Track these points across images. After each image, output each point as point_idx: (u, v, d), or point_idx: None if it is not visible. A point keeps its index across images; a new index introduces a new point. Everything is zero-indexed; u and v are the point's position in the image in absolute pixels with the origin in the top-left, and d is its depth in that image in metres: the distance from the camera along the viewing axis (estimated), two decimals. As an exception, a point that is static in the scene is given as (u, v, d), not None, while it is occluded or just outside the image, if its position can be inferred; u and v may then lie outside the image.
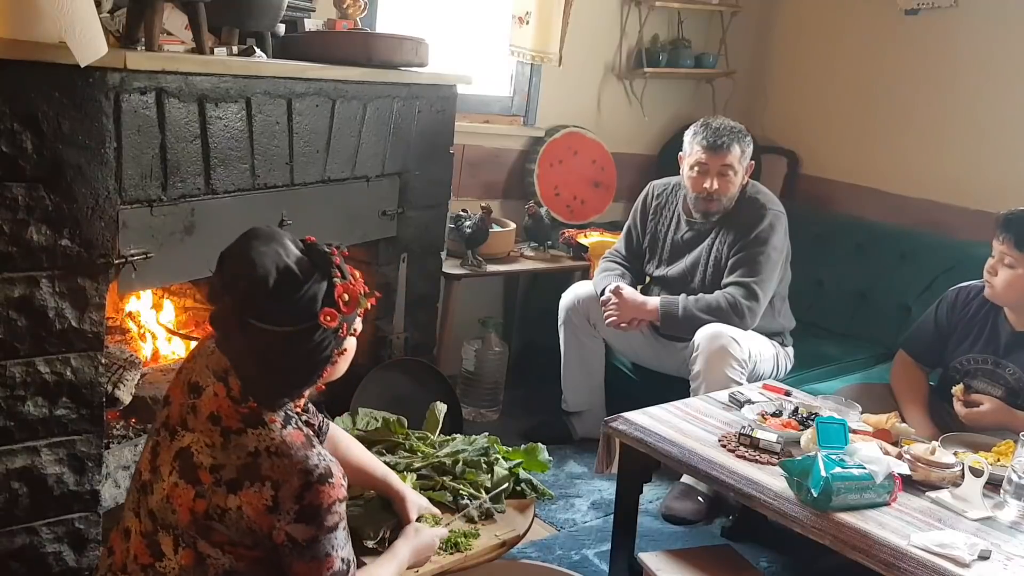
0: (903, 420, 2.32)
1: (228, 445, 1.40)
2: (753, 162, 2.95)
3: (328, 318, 1.39)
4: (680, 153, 2.99)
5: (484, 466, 2.04)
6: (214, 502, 1.39)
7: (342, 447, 1.81)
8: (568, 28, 3.56)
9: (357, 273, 1.47)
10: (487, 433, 2.17)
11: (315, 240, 1.46)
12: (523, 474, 2.09)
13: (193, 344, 2.53)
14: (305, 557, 1.40)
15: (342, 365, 1.52)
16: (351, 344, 1.50)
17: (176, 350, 2.55)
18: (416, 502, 1.84)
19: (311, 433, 1.47)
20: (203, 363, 1.48)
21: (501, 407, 3.42)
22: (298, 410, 1.52)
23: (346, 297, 1.42)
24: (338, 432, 1.83)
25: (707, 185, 2.85)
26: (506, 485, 2.02)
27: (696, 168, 2.87)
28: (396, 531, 1.80)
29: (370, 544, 1.75)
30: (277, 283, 1.36)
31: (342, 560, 1.44)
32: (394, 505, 1.82)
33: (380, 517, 1.82)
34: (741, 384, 2.63)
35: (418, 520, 1.82)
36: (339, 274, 1.42)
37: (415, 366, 2.80)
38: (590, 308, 3.04)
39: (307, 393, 1.51)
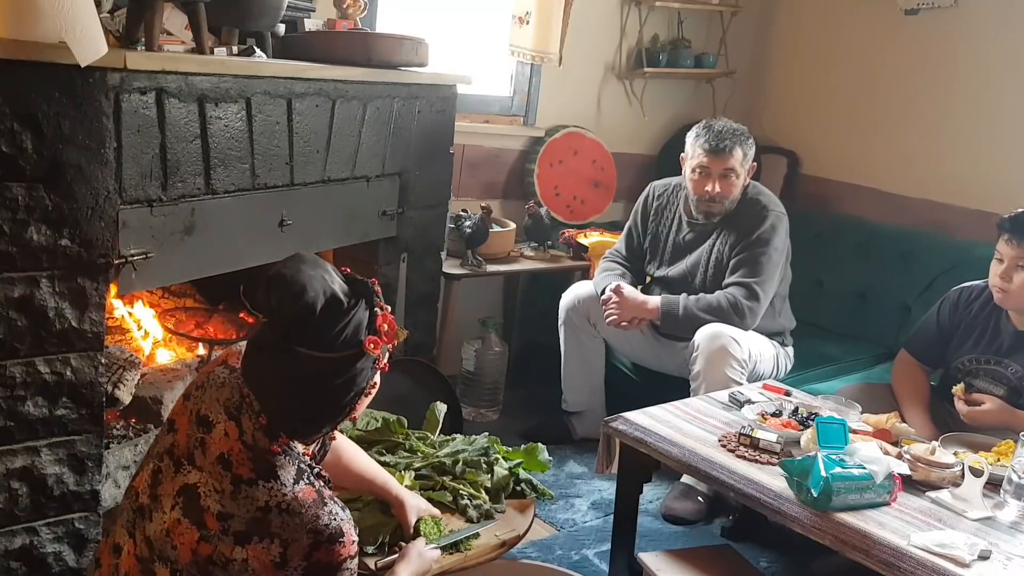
0: (903, 420, 2.32)
1: (238, 495, 1.37)
2: (755, 163, 2.95)
3: (372, 345, 1.39)
4: (681, 154, 2.99)
5: (484, 466, 2.04)
6: (219, 550, 1.36)
7: (345, 457, 1.80)
8: (568, 28, 3.56)
9: (388, 308, 1.47)
10: (487, 433, 2.17)
11: (351, 271, 1.46)
12: (523, 474, 2.09)
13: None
14: None
15: (367, 400, 1.50)
16: (378, 379, 1.49)
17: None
18: (416, 506, 1.83)
19: (323, 487, 1.44)
20: (213, 395, 1.44)
21: (501, 407, 3.42)
22: (308, 456, 1.49)
23: (386, 327, 1.42)
24: (343, 441, 1.82)
25: (709, 188, 2.85)
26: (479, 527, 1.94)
27: (698, 171, 2.87)
28: (395, 536, 1.80)
29: (370, 550, 1.75)
30: (324, 309, 1.35)
31: None
32: (393, 510, 1.82)
33: (379, 521, 1.82)
34: (741, 384, 2.63)
35: (417, 522, 1.82)
36: (380, 303, 1.43)
37: (415, 366, 2.80)
38: (590, 308, 3.04)
39: (328, 432, 1.49)
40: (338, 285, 1.39)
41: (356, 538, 1.42)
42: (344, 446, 1.82)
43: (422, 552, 1.72)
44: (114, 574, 1.46)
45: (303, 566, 1.35)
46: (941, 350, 2.55)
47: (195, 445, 1.41)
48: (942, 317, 2.56)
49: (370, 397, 1.50)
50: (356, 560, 1.42)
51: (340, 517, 1.40)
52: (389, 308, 1.46)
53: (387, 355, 1.47)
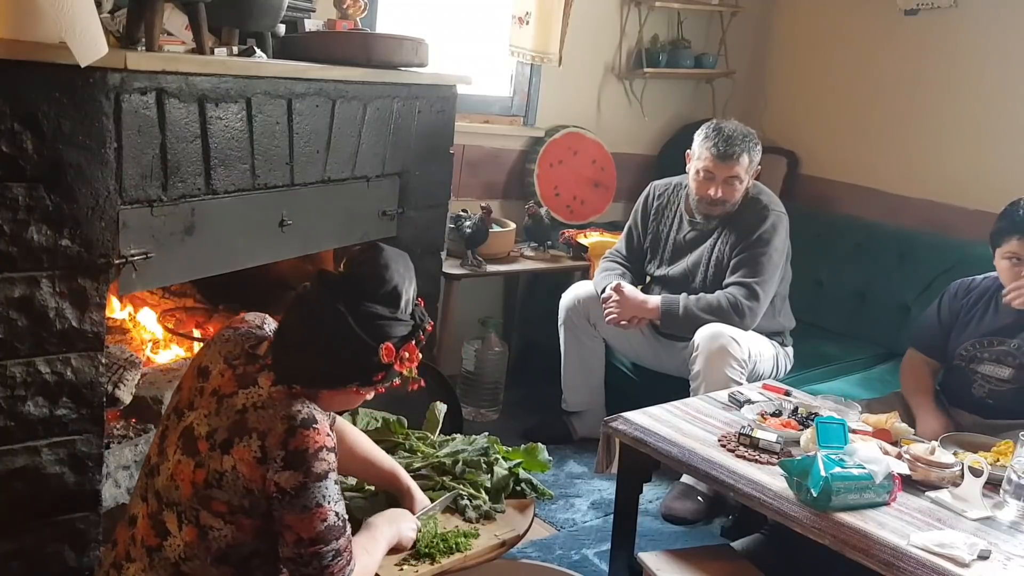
0: (911, 413, 2.33)
1: (221, 409, 1.44)
2: (760, 167, 2.94)
3: (385, 351, 1.45)
4: (687, 151, 2.98)
5: (484, 466, 2.04)
6: (212, 468, 1.42)
7: (348, 439, 1.81)
8: (568, 28, 3.56)
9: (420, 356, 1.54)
10: (487, 433, 2.17)
11: (425, 305, 1.57)
12: (523, 474, 2.09)
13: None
14: (295, 507, 1.39)
15: (343, 402, 1.56)
16: (367, 396, 1.56)
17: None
18: (422, 502, 1.84)
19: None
20: (216, 349, 1.55)
21: (501, 407, 3.42)
22: None
23: (406, 355, 1.49)
24: (345, 425, 1.84)
25: (712, 192, 2.85)
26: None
27: (703, 174, 2.86)
28: None
29: None
30: (384, 294, 1.45)
31: (336, 514, 1.43)
32: (401, 501, 1.83)
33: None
34: (741, 384, 2.63)
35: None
36: (422, 338, 1.51)
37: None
38: (590, 308, 3.04)
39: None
40: (408, 296, 1.49)
41: (332, 434, 1.45)
42: (347, 429, 1.84)
43: (402, 517, 1.73)
44: (130, 545, 1.50)
45: (281, 456, 1.39)
46: (943, 342, 2.57)
47: (195, 394, 1.51)
48: (943, 310, 2.58)
49: (352, 400, 1.56)
50: (334, 456, 1.44)
51: (313, 407, 1.44)
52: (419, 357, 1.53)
53: (388, 384, 1.53)
